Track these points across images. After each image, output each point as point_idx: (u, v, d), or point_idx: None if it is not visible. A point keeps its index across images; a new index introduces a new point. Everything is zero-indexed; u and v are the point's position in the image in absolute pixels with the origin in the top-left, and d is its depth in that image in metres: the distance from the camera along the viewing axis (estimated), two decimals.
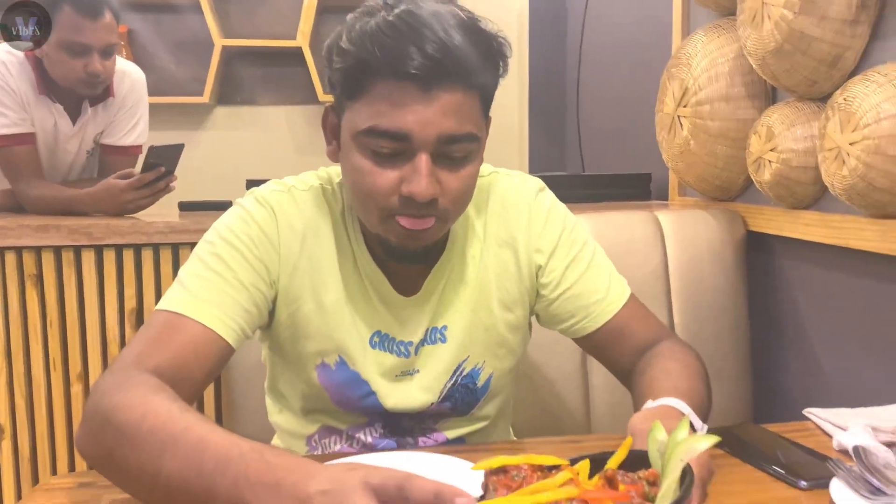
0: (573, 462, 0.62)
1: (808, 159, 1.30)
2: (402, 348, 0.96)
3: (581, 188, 1.85)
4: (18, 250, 1.61)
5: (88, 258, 1.63)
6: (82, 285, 1.63)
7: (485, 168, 0.98)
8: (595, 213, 1.45)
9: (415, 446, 0.99)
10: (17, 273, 1.61)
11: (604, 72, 2.34)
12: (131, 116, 2.10)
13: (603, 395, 1.35)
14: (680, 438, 0.62)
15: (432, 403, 0.97)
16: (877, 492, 0.72)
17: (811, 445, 0.87)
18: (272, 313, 0.94)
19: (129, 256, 1.64)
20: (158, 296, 1.61)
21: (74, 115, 2.01)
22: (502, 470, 0.61)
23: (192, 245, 0.91)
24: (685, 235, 1.46)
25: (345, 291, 0.93)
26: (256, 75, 2.95)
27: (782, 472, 0.80)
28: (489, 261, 0.97)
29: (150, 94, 2.17)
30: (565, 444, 0.93)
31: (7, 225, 1.61)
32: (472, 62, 0.80)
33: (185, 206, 1.95)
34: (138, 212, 1.83)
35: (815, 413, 0.98)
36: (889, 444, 0.82)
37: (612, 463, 0.63)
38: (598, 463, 0.62)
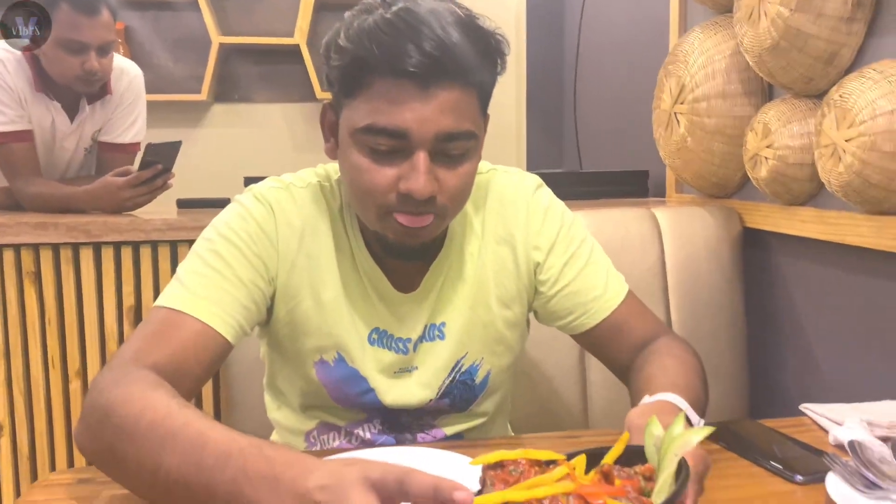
0: (570, 457, 0.62)
1: (804, 156, 1.30)
2: (401, 345, 0.96)
3: (579, 185, 1.86)
4: (17, 248, 1.61)
5: (87, 255, 1.63)
6: (80, 282, 1.63)
7: (483, 165, 0.98)
8: (592, 209, 1.45)
9: (413, 442, 0.99)
10: (15, 270, 1.61)
11: (601, 69, 2.34)
12: (129, 114, 2.10)
13: (600, 391, 1.36)
14: (675, 433, 0.63)
15: (431, 400, 0.97)
16: (872, 486, 0.72)
17: (807, 440, 0.88)
18: (270, 310, 0.94)
19: (127, 254, 1.64)
20: (157, 293, 1.60)
21: (72, 112, 2.01)
22: (500, 465, 0.61)
23: (191, 242, 0.92)
24: (682, 232, 1.46)
25: (343, 288, 0.93)
26: (254, 73, 2.95)
27: (778, 466, 0.80)
28: (487, 258, 0.97)
29: (148, 91, 2.17)
30: (563, 440, 0.94)
31: (5, 222, 1.61)
32: (470, 60, 0.80)
33: (182, 204, 1.95)
34: (136, 209, 1.83)
35: (811, 408, 0.99)
36: (885, 439, 0.83)
37: (609, 458, 0.63)
38: (594, 458, 0.63)
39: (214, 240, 0.89)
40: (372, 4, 0.82)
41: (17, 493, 1.65)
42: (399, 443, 0.99)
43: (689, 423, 0.78)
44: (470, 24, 0.82)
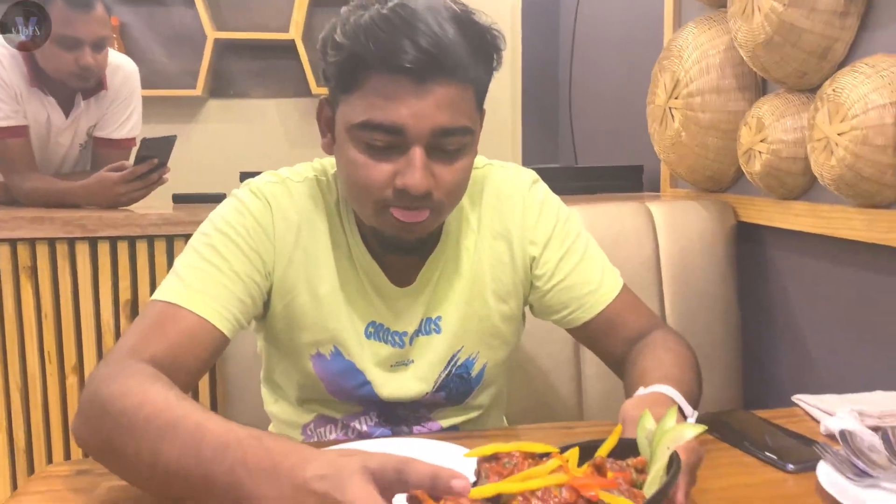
0: (563, 450, 0.63)
1: (797, 150, 1.31)
2: (397, 339, 0.96)
3: (574, 180, 1.87)
4: (13, 242, 1.61)
5: (83, 250, 1.63)
6: (77, 277, 1.63)
7: (479, 160, 0.99)
8: (588, 204, 1.46)
9: (409, 435, 1.00)
10: (11, 265, 1.61)
11: (596, 64, 2.35)
12: (124, 109, 2.09)
13: (595, 384, 1.36)
14: (667, 427, 0.64)
15: (427, 393, 0.98)
16: (861, 474, 0.73)
17: (800, 431, 0.88)
18: (267, 304, 0.94)
19: (123, 248, 1.64)
20: (153, 287, 1.61)
21: (67, 108, 2.00)
22: (494, 457, 0.62)
23: (187, 237, 0.92)
24: (677, 226, 1.47)
25: (339, 282, 0.94)
26: (249, 68, 2.94)
27: (770, 456, 0.81)
28: (483, 252, 0.98)
29: (143, 87, 2.16)
30: (558, 431, 0.95)
31: (1, 217, 1.61)
32: (466, 56, 0.81)
33: (178, 199, 1.95)
34: (132, 204, 1.83)
35: (803, 399, 1.00)
36: (875, 429, 0.84)
37: (602, 451, 0.64)
38: (588, 451, 0.64)
39: (211, 234, 0.89)
40: (368, 0, 0.83)
41: (14, 488, 1.66)
42: (395, 435, 0.99)
43: (682, 415, 0.79)
44: (466, 20, 0.82)
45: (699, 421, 0.78)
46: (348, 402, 0.99)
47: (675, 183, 1.78)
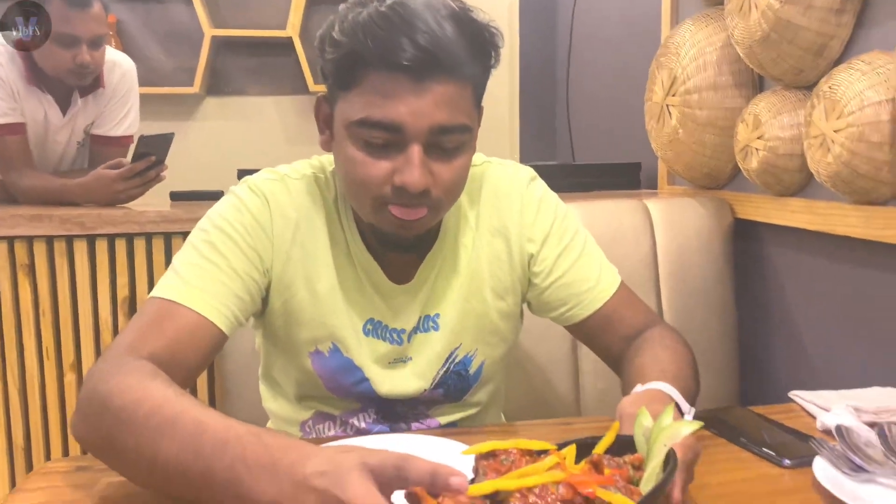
0: (560, 447, 0.63)
1: (794, 147, 1.31)
2: (395, 336, 0.97)
3: (572, 177, 1.87)
4: (10, 240, 1.61)
5: (81, 248, 1.63)
6: (75, 275, 1.63)
7: (477, 157, 0.99)
8: (585, 201, 1.46)
9: (407, 431, 1.00)
10: (9, 263, 1.61)
11: (594, 61, 2.35)
12: (122, 106, 2.09)
13: (592, 380, 1.37)
14: (664, 424, 0.64)
15: (425, 390, 0.98)
16: (857, 469, 0.74)
17: (796, 426, 0.89)
18: (265, 301, 0.94)
19: (121, 246, 1.64)
20: (151, 285, 1.61)
21: (64, 105, 2.00)
22: (492, 454, 0.62)
23: (185, 234, 0.92)
24: (674, 223, 1.47)
25: (338, 279, 0.94)
26: (246, 65, 2.94)
27: (767, 451, 0.82)
28: (482, 250, 0.98)
29: (140, 84, 2.16)
30: (556, 427, 0.95)
31: None
32: (464, 53, 0.81)
33: (176, 196, 1.95)
34: (130, 201, 1.83)
35: (800, 395, 1.00)
36: (871, 424, 0.84)
37: (599, 448, 0.64)
38: (585, 448, 0.64)
39: (210, 231, 0.89)
40: None
41: (13, 485, 1.66)
42: (393, 432, 1.00)
43: (679, 412, 0.79)
44: (464, 18, 0.82)
45: (696, 418, 0.78)
46: (346, 398, 0.99)
47: (673, 180, 1.78)
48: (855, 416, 0.87)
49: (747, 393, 1.50)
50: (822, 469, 0.74)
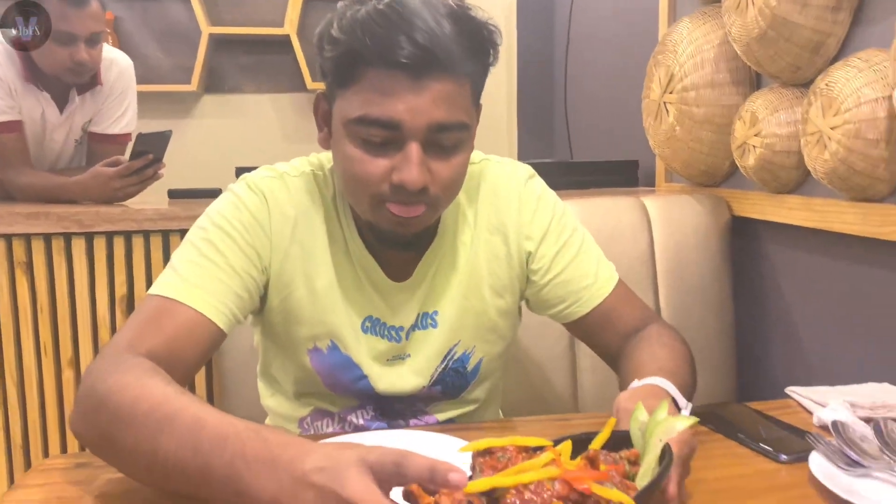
0: (556, 443, 0.63)
1: (791, 144, 1.31)
2: (394, 333, 0.97)
3: (569, 175, 1.87)
4: (8, 238, 1.61)
5: (79, 245, 1.63)
6: (72, 272, 1.63)
7: (476, 155, 0.99)
8: (583, 199, 1.46)
9: (406, 428, 1.00)
10: (6, 260, 1.61)
11: (591, 59, 2.35)
12: (119, 104, 2.09)
13: (590, 377, 1.37)
14: (660, 419, 0.64)
15: (423, 387, 0.99)
16: (853, 464, 0.74)
17: (793, 422, 0.89)
18: (264, 299, 0.95)
19: (119, 243, 1.64)
20: (149, 282, 1.61)
21: (62, 103, 2.00)
22: (488, 452, 0.62)
23: (183, 232, 0.92)
24: (671, 221, 1.48)
25: (336, 277, 0.94)
26: (244, 63, 2.94)
27: (764, 447, 0.82)
28: (480, 247, 0.98)
29: (137, 82, 2.16)
30: (553, 423, 0.95)
31: None
32: (462, 51, 0.81)
33: (174, 194, 1.95)
34: (127, 199, 1.83)
35: (796, 391, 1.01)
36: (867, 420, 0.85)
37: (595, 443, 0.65)
38: (582, 443, 0.64)
39: (208, 228, 0.89)
40: None
41: (11, 482, 1.66)
42: (392, 429, 1.00)
43: (676, 407, 0.79)
44: (462, 15, 0.82)
45: (693, 413, 0.78)
46: (345, 395, 0.99)
47: (670, 177, 1.79)
48: (851, 412, 0.87)
49: (744, 389, 1.51)
50: (819, 464, 0.74)
